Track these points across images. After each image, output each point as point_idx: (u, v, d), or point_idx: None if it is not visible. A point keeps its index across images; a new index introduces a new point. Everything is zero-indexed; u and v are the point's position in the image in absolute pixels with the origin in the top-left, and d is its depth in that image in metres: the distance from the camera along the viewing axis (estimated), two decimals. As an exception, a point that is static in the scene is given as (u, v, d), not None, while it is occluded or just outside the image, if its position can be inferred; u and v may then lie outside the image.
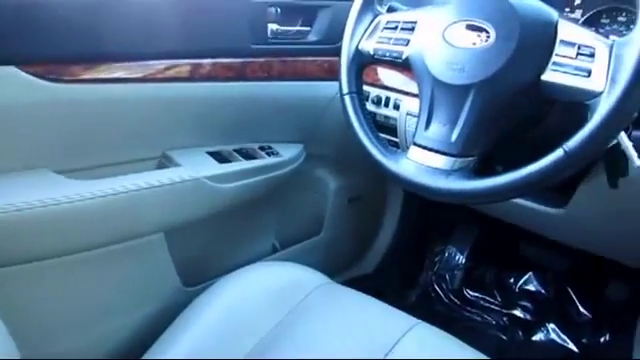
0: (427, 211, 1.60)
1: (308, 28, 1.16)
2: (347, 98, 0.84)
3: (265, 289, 0.92)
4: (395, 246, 1.58)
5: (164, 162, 1.03)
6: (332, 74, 1.13)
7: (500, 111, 0.70)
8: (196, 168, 1.00)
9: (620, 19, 0.94)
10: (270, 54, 1.10)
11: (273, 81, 1.12)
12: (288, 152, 1.19)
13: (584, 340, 1.41)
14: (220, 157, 1.08)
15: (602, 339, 1.38)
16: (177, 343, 0.82)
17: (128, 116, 0.95)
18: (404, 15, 0.82)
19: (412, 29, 0.80)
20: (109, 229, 0.92)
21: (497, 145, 0.76)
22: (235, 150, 1.13)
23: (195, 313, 0.87)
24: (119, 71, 0.92)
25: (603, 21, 0.97)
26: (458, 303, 1.58)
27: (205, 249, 1.14)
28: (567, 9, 1.01)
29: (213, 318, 0.86)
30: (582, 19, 0.98)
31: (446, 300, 1.59)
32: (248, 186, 1.09)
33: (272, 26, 1.09)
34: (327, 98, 1.18)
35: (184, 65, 0.99)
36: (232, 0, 1.04)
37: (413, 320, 0.86)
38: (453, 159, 0.71)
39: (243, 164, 1.09)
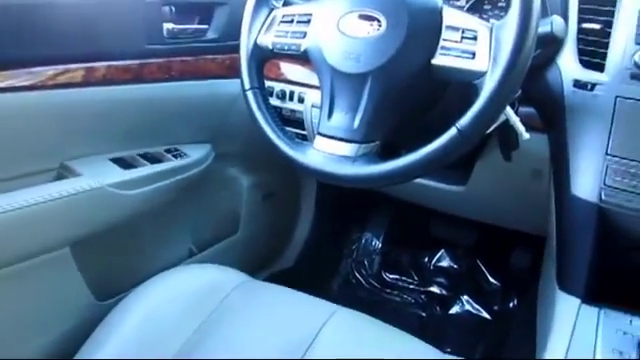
0: (342, 200, 1.63)
1: (206, 26, 1.14)
2: (250, 94, 0.84)
3: (183, 293, 0.90)
4: (313, 238, 1.60)
5: (63, 173, 0.97)
6: (234, 71, 1.12)
7: (397, 96, 0.73)
8: (98, 176, 0.96)
9: (500, 4, 1.01)
10: (168, 54, 1.08)
11: (174, 81, 1.09)
12: (196, 153, 1.16)
13: (495, 307, 1.51)
14: (124, 163, 1.04)
15: (511, 304, 1.48)
16: (94, 357, 0.78)
17: (16, 128, 0.89)
18: (299, 8, 0.83)
19: (308, 21, 0.81)
20: (11, 247, 0.86)
21: (398, 129, 0.79)
22: (140, 155, 1.09)
23: (110, 326, 0.83)
24: (3, 80, 0.86)
25: (485, 7, 1.04)
26: (378, 287, 1.63)
27: (117, 260, 1.10)
28: (453, -3, 1.07)
29: (131, 328, 0.82)
30: (467, 6, 1.04)
31: (367, 285, 1.64)
32: (156, 191, 1.06)
33: (168, 25, 1.07)
34: (232, 96, 1.17)
35: (77, 70, 0.94)
36: (125, 0, 1.01)
37: (334, 307, 0.87)
38: (357, 145, 0.73)
39: (149, 169, 1.05)
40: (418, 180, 1.07)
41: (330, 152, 0.74)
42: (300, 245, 1.59)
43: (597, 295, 0.87)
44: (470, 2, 1.04)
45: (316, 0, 0.83)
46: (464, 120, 0.66)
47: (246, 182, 1.37)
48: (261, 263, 1.52)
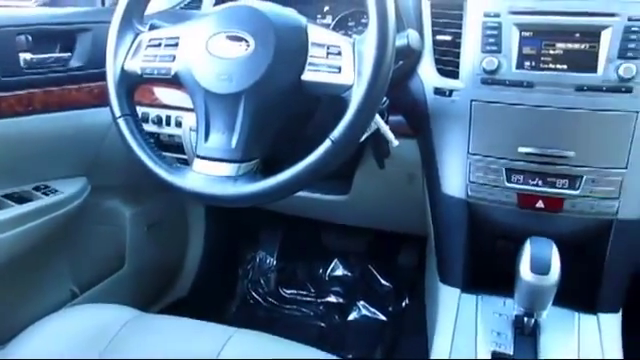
0: (232, 222, 1.62)
1: (68, 54, 1.08)
2: (121, 122, 0.81)
3: (68, 339, 0.84)
4: (206, 263, 1.56)
5: None
6: (105, 99, 1.08)
7: (272, 112, 0.74)
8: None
9: (363, 21, 1.07)
10: (28, 85, 1.01)
11: (38, 114, 1.03)
12: (69, 188, 1.10)
13: (390, 308, 1.57)
14: (-13, 206, 0.96)
15: (403, 303, 1.55)
16: None
17: None
18: (166, 31, 0.82)
19: (176, 45, 0.80)
20: None
21: (278, 144, 0.81)
22: (5, 195, 1.00)
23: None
24: None
25: (350, 24, 1.09)
26: (276, 303, 1.63)
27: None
28: (319, 16, 1.11)
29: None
30: (332, 24, 1.09)
31: (265, 303, 1.63)
32: (27, 232, 0.98)
33: (25, 55, 1.00)
34: (104, 125, 1.12)
35: None
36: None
37: (231, 330, 0.86)
38: (237, 165, 0.73)
39: (16, 210, 0.98)
40: (302, 193, 1.09)
41: (210, 174, 0.74)
42: (193, 272, 1.55)
43: (475, 283, 0.94)
44: (335, 20, 1.10)
45: (183, 23, 0.82)
46: (336, 132, 0.69)
47: (128, 213, 1.31)
48: (153, 296, 1.45)
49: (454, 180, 0.91)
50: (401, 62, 0.89)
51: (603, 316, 0.87)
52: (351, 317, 1.58)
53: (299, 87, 0.73)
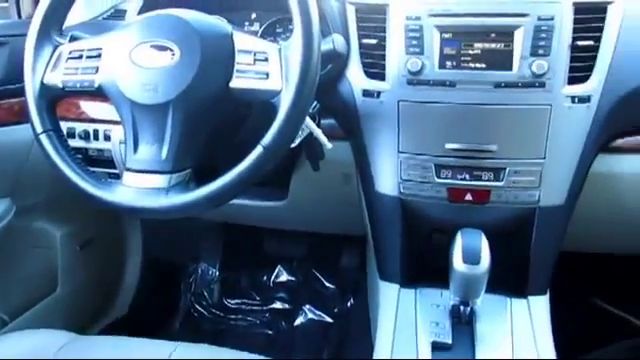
0: (170, 235, 1.59)
1: (-17, 70, 1.03)
2: (43, 138, 0.78)
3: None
4: (145, 280, 1.52)
5: None
6: (26, 115, 1.04)
7: (201, 121, 0.74)
8: None
9: (290, 27, 1.08)
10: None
11: (-48, 134, 0.97)
12: (-8, 210, 1.04)
13: (335, 310, 1.58)
14: None
15: (348, 304, 1.57)
16: None
17: None
18: (87, 43, 0.80)
19: (98, 56, 0.78)
20: None
21: (210, 153, 0.80)
22: None
23: None
24: None
25: (278, 30, 1.10)
26: (222, 315, 1.61)
27: None
28: (247, 23, 1.12)
29: None
30: (260, 31, 1.10)
31: (209, 316, 1.61)
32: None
33: None
34: (27, 142, 1.07)
35: None
36: None
37: (173, 344, 0.85)
38: (169, 176, 0.72)
39: None
40: (240, 201, 1.09)
41: (141, 186, 0.72)
42: (132, 289, 1.50)
43: (414, 277, 0.97)
44: (263, 27, 1.10)
45: (105, 33, 0.80)
46: (267, 137, 0.69)
47: (59, 233, 1.26)
48: (91, 317, 1.40)
49: (387, 178, 0.93)
50: (330, 66, 0.91)
51: (532, 299, 0.92)
52: (297, 322, 1.59)
53: (228, 94, 0.73)
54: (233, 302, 1.64)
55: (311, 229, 1.30)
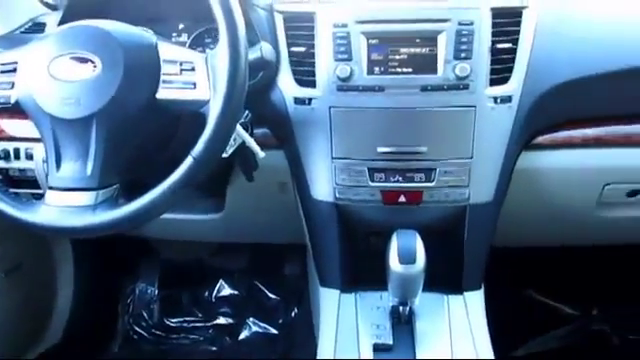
0: (104, 255, 1.53)
1: None
2: None
3: None
4: (79, 303, 1.45)
5: None
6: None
7: (127, 135, 0.72)
8: None
9: (219, 37, 1.07)
10: None
11: None
12: None
13: (280, 321, 1.57)
14: None
15: (293, 314, 1.56)
16: None
17: None
18: (1, 57, 0.76)
19: (14, 70, 0.74)
20: None
21: (139, 167, 0.78)
22: None
23: None
24: None
25: (207, 40, 1.09)
26: (163, 334, 1.56)
27: None
28: (174, 34, 1.09)
29: None
30: (189, 41, 1.08)
31: (150, 337, 1.55)
32: None
33: None
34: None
35: None
36: None
37: None
38: (95, 192, 0.70)
39: None
40: (175, 215, 1.06)
41: (66, 205, 0.69)
42: (65, 315, 1.43)
43: (354, 281, 0.97)
44: (191, 38, 1.08)
45: (20, 47, 0.76)
46: (197, 148, 0.68)
47: (-20, 260, 1.19)
48: (21, 347, 1.32)
49: (322, 185, 0.93)
50: (260, 75, 0.91)
51: (468, 294, 0.95)
52: (242, 336, 1.56)
53: (154, 106, 0.71)
54: (174, 321, 1.59)
55: (251, 240, 1.28)
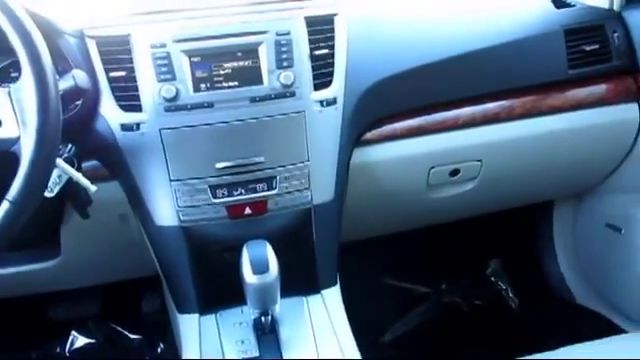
0: None
1: None
2: None
3: None
4: None
5: None
6: None
7: None
8: None
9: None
10: None
11: None
12: None
13: (147, 358, 1.48)
14: None
15: (158, 349, 1.48)
16: None
17: None
18: None
19: None
20: None
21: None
22: None
23: None
24: None
25: (13, 75, 0.99)
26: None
27: None
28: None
29: None
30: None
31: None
32: None
33: None
34: None
35: None
36: None
37: None
38: None
39: None
40: (2, 271, 0.96)
41: None
42: None
43: (213, 302, 0.95)
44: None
45: None
46: (13, 190, 0.63)
47: None
48: None
49: (164, 210, 0.90)
50: (78, 104, 0.85)
51: (325, 292, 0.98)
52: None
53: None
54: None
55: (98, 282, 1.19)
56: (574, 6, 1.17)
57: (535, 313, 1.58)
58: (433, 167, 1.11)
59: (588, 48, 1.13)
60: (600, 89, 1.17)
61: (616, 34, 1.14)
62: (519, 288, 1.66)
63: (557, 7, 1.16)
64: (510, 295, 1.66)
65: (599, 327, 1.43)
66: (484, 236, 1.67)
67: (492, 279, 1.70)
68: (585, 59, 1.13)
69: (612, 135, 1.21)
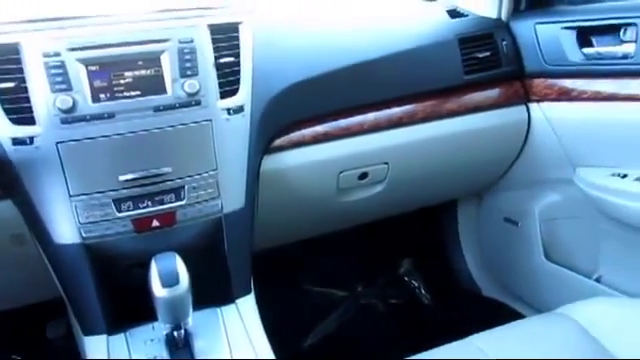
0: None
1: None
2: None
3: None
4: None
5: None
6: None
7: None
8: None
9: None
10: None
11: None
12: None
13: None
14: None
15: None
16: None
17: None
18: None
19: None
20: None
21: None
22: None
23: None
24: None
25: None
26: None
27: None
28: None
29: None
30: None
31: None
32: None
33: None
34: None
35: None
36: None
37: None
38: None
39: None
40: None
41: None
42: None
43: (121, 321, 0.91)
44: None
45: None
46: None
47: None
48: None
49: (64, 227, 0.85)
50: None
51: (240, 301, 0.97)
52: None
53: None
54: None
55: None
56: (467, 16, 1.25)
57: (446, 308, 1.65)
58: (342, 171, 1.14)
59: (481, 55, 1.21)
60: (493, 93, 1.25)
61: (504, 42, 1.23)
62: (431, 285, 1.73)
63: (452, 17, 1.23)
64: (423, 292, 1.73)
65: (504, 316, 1.52)
66: (396, 237, 1.73)
67: (405, 278, 1.77)
68: (478, 65, 1.21)
69: (505, 136, 1.29)
